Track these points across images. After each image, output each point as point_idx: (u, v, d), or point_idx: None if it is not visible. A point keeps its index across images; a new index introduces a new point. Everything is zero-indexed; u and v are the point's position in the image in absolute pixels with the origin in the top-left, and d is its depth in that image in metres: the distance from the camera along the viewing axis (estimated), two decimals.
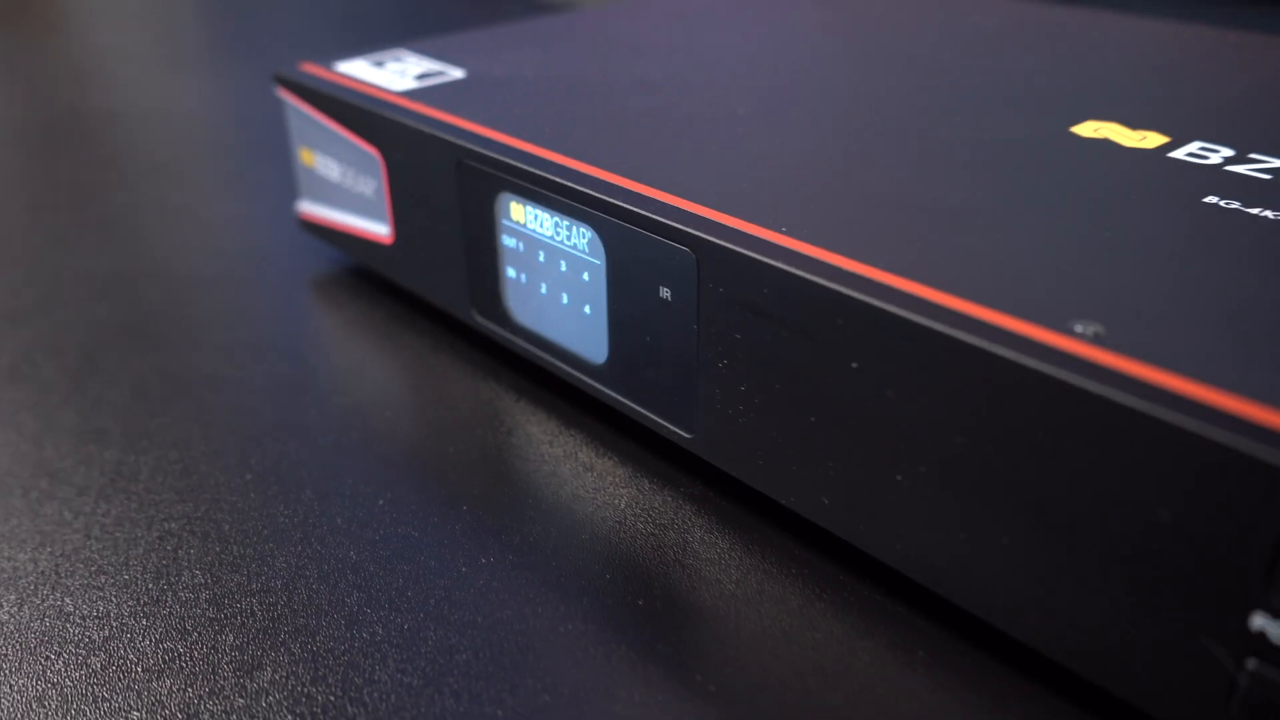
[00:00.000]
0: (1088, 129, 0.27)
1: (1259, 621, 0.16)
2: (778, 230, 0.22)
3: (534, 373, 0.31)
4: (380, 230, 0.33)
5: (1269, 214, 0.22)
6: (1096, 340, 0.18)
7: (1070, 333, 0.18)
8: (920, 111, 0.29)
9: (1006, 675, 0.20)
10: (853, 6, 0.41)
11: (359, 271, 0.37)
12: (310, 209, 0.36)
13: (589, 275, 0.26)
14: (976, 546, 0.19)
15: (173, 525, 0.25)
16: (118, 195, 0.44)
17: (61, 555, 0.24)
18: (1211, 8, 0.56)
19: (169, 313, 0.35)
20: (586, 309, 0.26)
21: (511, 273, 0.28)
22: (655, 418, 0.25)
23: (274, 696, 0.20)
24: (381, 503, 0.26)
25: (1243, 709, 0.16)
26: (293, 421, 0.29)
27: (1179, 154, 0.26)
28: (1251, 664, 0.16)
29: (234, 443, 0.28)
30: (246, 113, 0.55)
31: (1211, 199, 0.23)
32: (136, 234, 0.41)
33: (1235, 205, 0.23)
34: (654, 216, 0.23)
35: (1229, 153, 0.26)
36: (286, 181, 0.45)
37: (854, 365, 0.20)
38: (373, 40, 0.61)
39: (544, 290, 0.27)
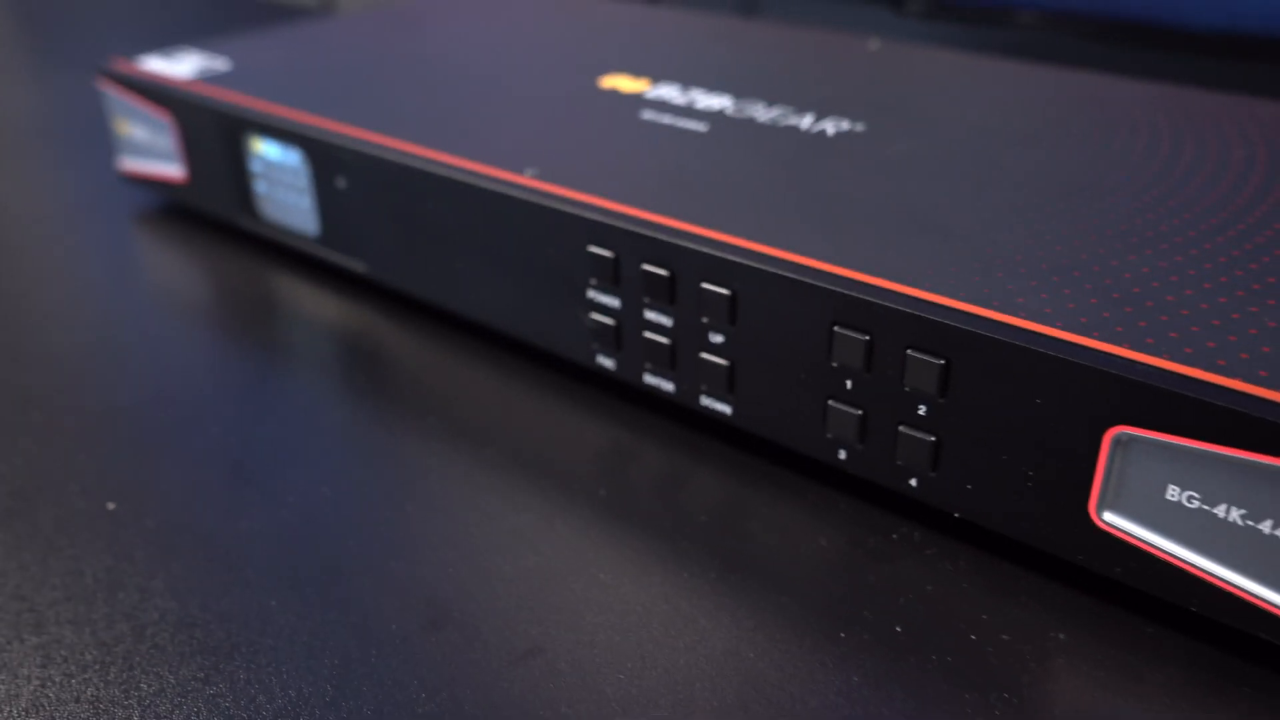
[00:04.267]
0: (608, 80, 0.46)
1: (590, 294, 0.34)
2: (391, 136, 0.39)
3: (282, 249, 0.47)
4: (177, 172, 0.49)
5: (666, 119, 0.41)
6: (535, 175, 0.36)
7: (522, 173, 0.36)
8: (514, 75, 0.47)
9: (550, 376, 0.38)
10: (513, 14, 0.59)
11: (166, 205, 0.53)
12: (127, 164, 0.52)
13: (302, 181, 0.43)
14: (496, 290, 0.37)
15: (52, 345, 0.41)
16: None
17: None
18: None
19: (32, 236, 0.50)
20: (304, 202, 0.43)
21: (260, 186, 0.45)
22: (346, 261, 0.43)
23: (116, 429, 0.37)
24: (179, 325, 0.42)
25: (596, 340, 0.35)
26: (124, 290, 0.45)
27: (650, 93, 0.44)
28: (594, 313, 0.34)
29: (85, 302, 0.44)
30: (63, 106, 0.69)
31: (644, 114, 0.42)
32: None
33: (653, 116, 0.41)
34: (323, 139, 0.40)
35: (677, 90, 0.44)
36: (103, 154, 0.60)
37: (430, 206, 0.38)
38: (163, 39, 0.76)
39: (279, 194, 0.44)
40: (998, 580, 0.28)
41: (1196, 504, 0.25)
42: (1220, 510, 0.24)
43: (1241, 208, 0.32)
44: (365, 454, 0.34)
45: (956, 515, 0.29)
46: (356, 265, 0.42)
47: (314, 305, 0.43)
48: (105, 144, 0.60)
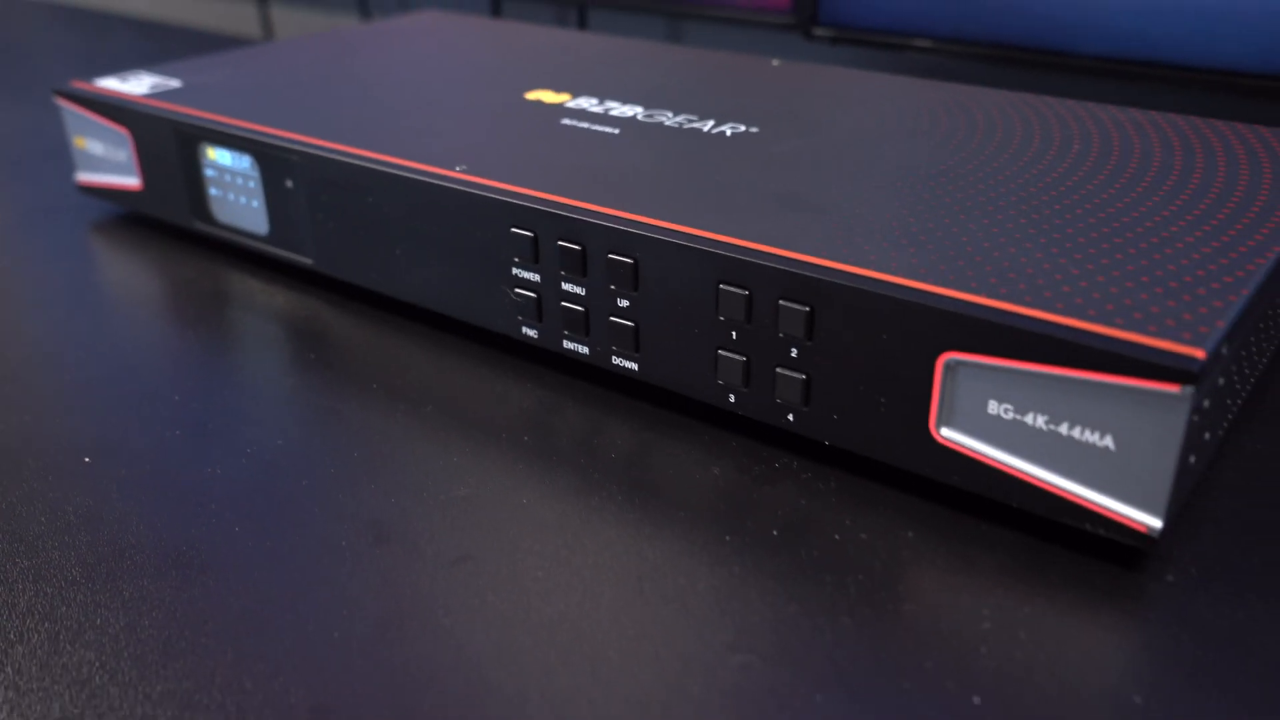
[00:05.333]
0: (533, 94, 0.51)
1: (514, 270, 0.39)
2: (335, 141, 0.44)
3: (233, 250, 0.52)
4: (133, 182, 0.53)
5: (583, 125, 0.46)
6: (464, 170, 0.41)
7: (453, 169, 0.41)
8: (447, 90, 0.52)
9: (464, 346, 0.43)
10: (446, 38, 0.64)
11: (123, 215, 0.57)
12: (86, 177, 0.56)
13: (252, 183, 0.47)
14: (431, 274, 0.42)
15: (21, 331, 0.45)
16: None
17: None
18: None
19: (5, 241, 0.54)
20: (255, 203, 0.48)
21: (213, 190, 0.49)
22: (294, 256, 0.47)
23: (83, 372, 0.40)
24: (139, 314, 0.46)
25: (524, 315, 0.39)
26: (87, 285, 0.49)
27: (570, 103, 0.49)
28: (518, 289, 0.39)
29: (51, 296, 0.48)
30: (14, 130, 0.73)
31: (565, 120, 0.47)
32: None
33: (571, 122, 0.46)
34: (270, 142, 0.45)
35: (594, 101, 0.50)
36: (57, 171, 0.63)
37: (369, 200, 0.42)
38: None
39: (231, 197, 0.49)
40: (861, 495, 0.33)
41: (1011, 414, 0.30)
42: (1029, 418, 0.30)
43: (1069, 188, 0.38)
44: (315, 414, 0.38)
45: (827, 443, 0.34)
46: (304, 260, 0.47)
47: (265, 296, 0.47)
48: (58, 163, 0.63)
